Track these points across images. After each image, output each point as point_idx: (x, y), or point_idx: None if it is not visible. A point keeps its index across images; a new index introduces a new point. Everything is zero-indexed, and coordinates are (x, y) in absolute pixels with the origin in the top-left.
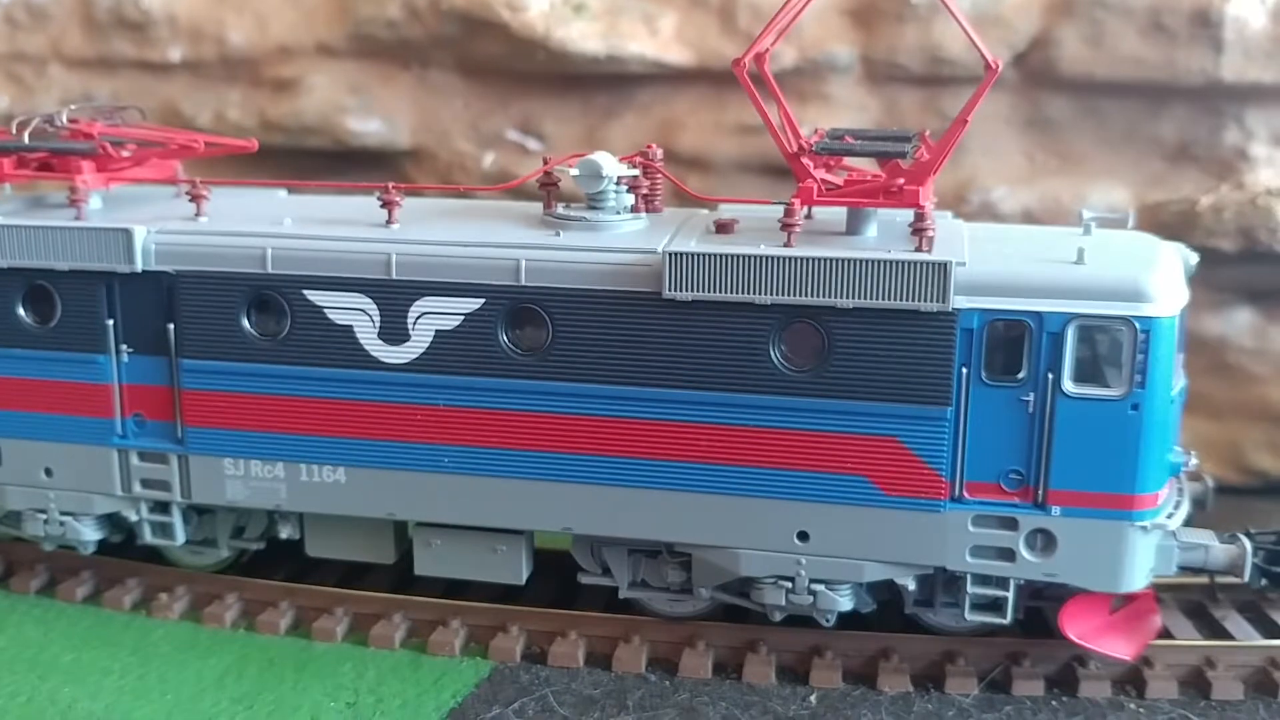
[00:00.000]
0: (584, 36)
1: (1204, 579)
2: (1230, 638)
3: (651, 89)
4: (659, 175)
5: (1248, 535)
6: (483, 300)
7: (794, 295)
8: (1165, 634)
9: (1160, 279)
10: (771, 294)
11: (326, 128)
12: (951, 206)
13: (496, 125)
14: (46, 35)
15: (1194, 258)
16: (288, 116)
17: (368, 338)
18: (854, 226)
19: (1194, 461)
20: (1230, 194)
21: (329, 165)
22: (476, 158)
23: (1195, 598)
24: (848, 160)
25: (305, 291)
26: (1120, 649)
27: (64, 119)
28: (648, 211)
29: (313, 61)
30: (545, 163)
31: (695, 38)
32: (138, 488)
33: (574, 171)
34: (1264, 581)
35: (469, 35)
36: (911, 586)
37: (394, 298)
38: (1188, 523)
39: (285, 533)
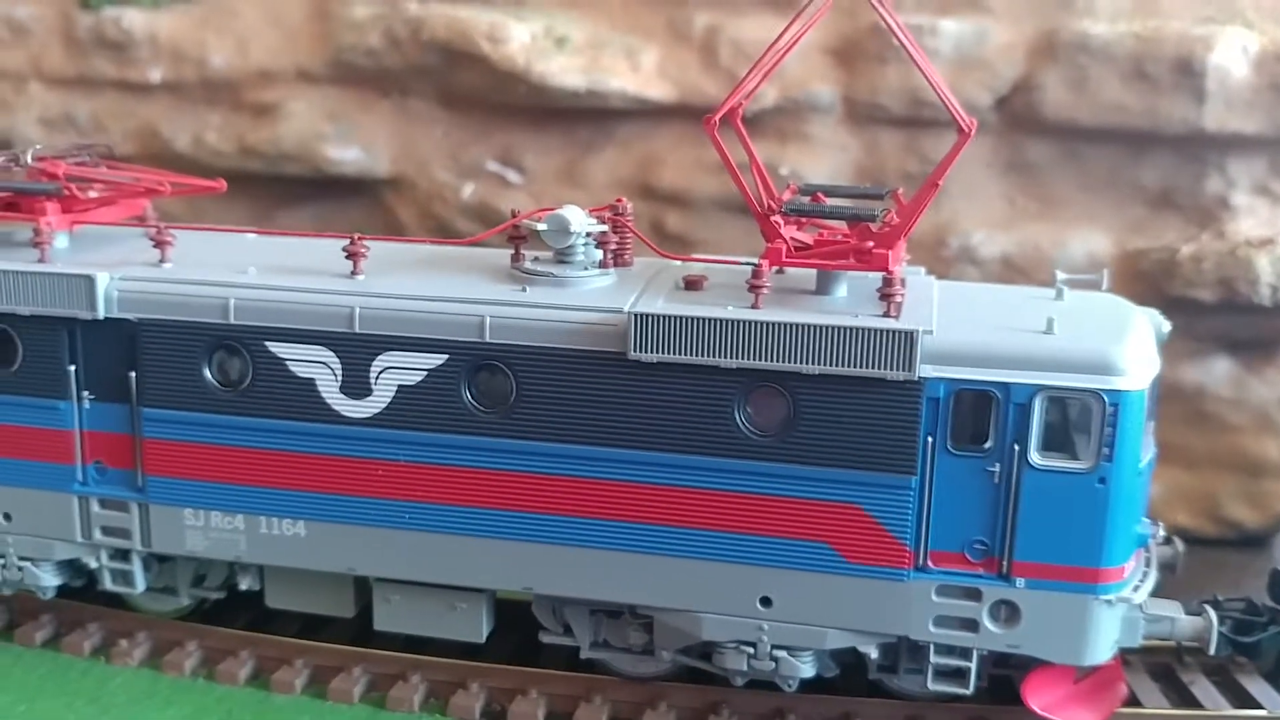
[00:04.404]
0: (565, 71)
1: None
2: (1197, 704)
3: (633, 124)
4: (628, 229)
5: (1214, 604)
6: (446, 356)
7: (758, 359)
8: (1132, 700)
9: (1130, 351)
10: (736, 357)
11: (305, 155)
12: (931, 250)
13: (476, 156)
14: (27, 52)
15: (1166, 325)
16: (266, 142)
17: (329, 391)
18: (824, 286)
19: (1161, 533)
20: (1211, 243)
21: (307, 193)
22: (456, 188)
23: (1164, 660)
24: None
25: (267, 343)
26: (1083, 719)
27: (29, 158)
28: (616, 266)
29: (293, 87)
30: (514, 215)
31: (677, 74)
32: (98, 535)
33: (542, 226)
34: (1230, 650)
35: (450, 66)
36: (874, 654)
37: (356, 351)
38: (1156, 591)
39: (245, 583)
